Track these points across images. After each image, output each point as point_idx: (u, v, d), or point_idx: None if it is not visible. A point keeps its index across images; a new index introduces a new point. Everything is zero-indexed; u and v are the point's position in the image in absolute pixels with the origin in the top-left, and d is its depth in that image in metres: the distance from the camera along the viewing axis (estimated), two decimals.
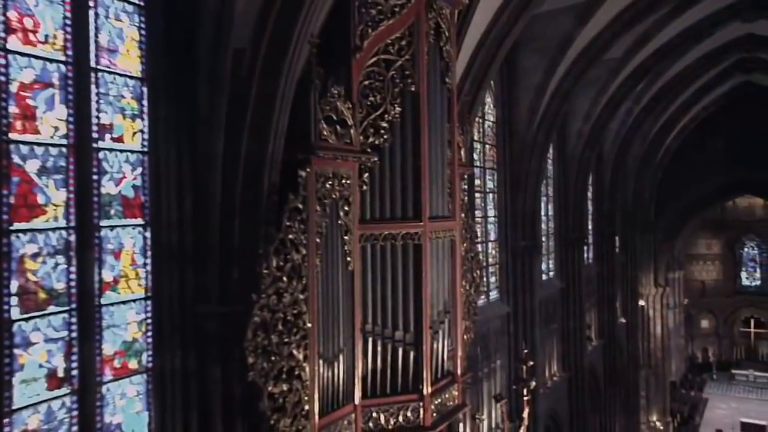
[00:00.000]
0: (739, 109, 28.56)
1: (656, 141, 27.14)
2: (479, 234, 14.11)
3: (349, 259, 7.11)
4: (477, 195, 14.13)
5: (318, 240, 6.58)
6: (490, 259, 14.85)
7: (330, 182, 6.78)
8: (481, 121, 14.29)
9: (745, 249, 42.43)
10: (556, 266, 19.19)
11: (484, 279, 14.30)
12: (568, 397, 18.71)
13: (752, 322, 41.24)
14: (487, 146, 14.67)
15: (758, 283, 42.13)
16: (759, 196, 35.82)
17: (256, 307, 5.79)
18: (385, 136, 7.46)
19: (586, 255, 21.66)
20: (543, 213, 18.26)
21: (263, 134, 6.19)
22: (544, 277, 18.05)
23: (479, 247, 14.21)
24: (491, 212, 14.89)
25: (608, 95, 18.24)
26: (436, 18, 8.04)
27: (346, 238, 7.06)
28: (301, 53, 6.27)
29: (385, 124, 7.46)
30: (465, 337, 9.69)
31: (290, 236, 6.20)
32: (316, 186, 6.59)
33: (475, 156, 13.98)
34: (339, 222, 6.93)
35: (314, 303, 6.51)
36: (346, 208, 7.05)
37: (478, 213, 14.13)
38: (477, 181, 14.12)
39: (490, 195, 14.89)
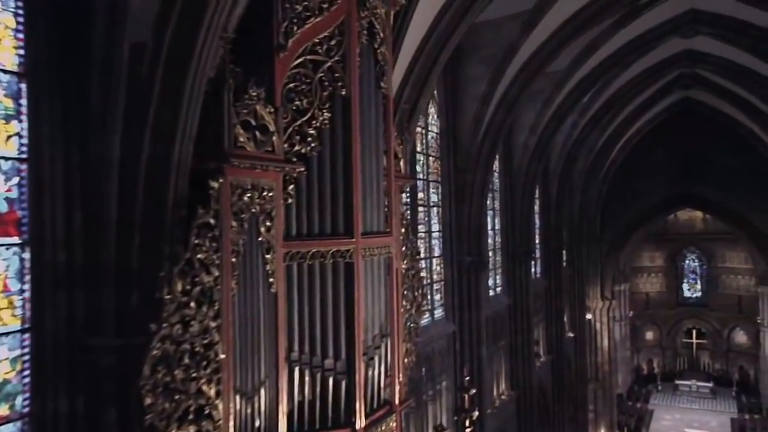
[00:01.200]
0: (681, 123, 29.14)
1: (601, 154, 27.34)
2: (423, 250, 13.56)
3: (271, 280, 6.37)
4: (420, 209, 13.59)
5: (234, 259, 5.84)
6: (435, 276, 14.30)
7: (248, 194, 6.05)
8: (424, 131, 13.79)
9: (687, 261, 43.39)
10: (503, 281, 18.82)
11: (429, 297, 13.74)
12: (517, 415, 18.28)
13: (694, 333, 42.09)
14: (430, 158, 14.17)
15: (699, 294, 43.07)
16: (698, 209, 36.69)
17: (155, 338, 4.99)
18: (313, 144, 6.78)
19: (533, 269, 21.40)
20: (489, 227, 17.87)
21: (168, 138, 5.42)
22: (491, 292, 17.63)
23: (423, 264, 13.64)
24: (435, 227, 14.37)
25: (554, 107, 18.07)
26: (370, 17, 7.44)
27: (268, 256, 6.32)
28: (212, 49, 5.55)
29: (312, 131, 6.78)
30: (406, 361, 9.06)
31: (199, 256, 5.44)
32: (232, 199, 5.84)
33: (418, 168, 13.46)
34: (260, 239, 6.20)
35: (229, 331, 5.74)
36: (267, 223, 6.32)
37: (421, 228, 13.58)
38: (420, 194, 13.58)
39: (435, 209, 14.38)
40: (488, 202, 17.62)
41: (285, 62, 6.56)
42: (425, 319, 13.38)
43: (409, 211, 12.80)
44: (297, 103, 6.70)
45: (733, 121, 27.68)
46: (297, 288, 6.67)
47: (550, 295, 23.22)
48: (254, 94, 6.07)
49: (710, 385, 39.14)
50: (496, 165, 18.63)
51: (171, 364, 5.11)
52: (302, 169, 6.64)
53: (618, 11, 14.76)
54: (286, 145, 6.59)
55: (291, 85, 6.66)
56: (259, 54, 6.52)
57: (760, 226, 30.66)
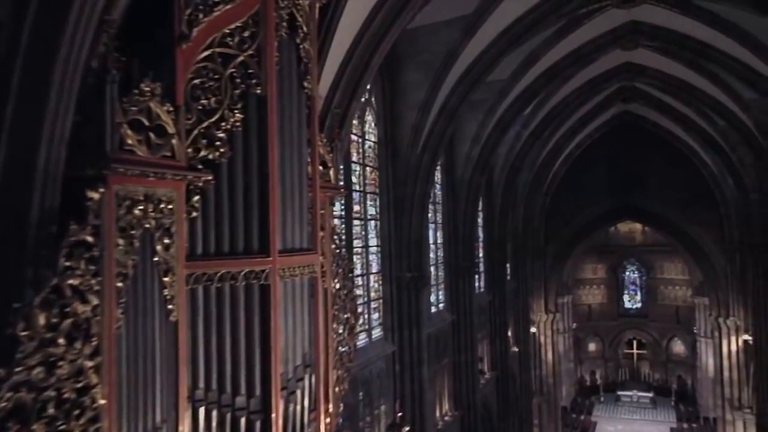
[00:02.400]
0: (621, 137, 29.50)
1: (545, 166, 27.30)
2: (359, 266, 12.80)
3: (171, 306, 5.44)
4: (356, 222, 12.82)
5: (120, 284, 4.90)
6: (373, 294, 13.52)
7: (141, 207, 5.13)
8: (361, 140, 13.06)
9: (627, 273, 44.05)
10: (445, 297, 18.21)
11: (366, 316, 12.96)
12: None
13: (635, 343, 42.65)
14: (367, 168, 13.44)
15: (639, 305, 43.76)
16: (638, 221, 37.35)
17: (4, 386, 4.01)
18: (223, 150, 5.90)
19: (477, 283, 20.91)
20: (431, 241, 17.25)
21: (31, 140, 4.47)
22: (433, 309, 16.99)
23: (359, 281, 12.87)
24: (373, 241, 13.61)
25: (496, 118, 17.69)
26: (291, 9, 6.64)
27: (166, 279, 5.40)
28: (89, 33, 4.65)
29: (222, 135, 5.90)
30: (337, 390, 8.27)
31: (72, 281, 4.48)
32: (118, 212, 4.92)
33: (354, 179, 12.70)
34: (155, 259, 5.28)
35: (111, 370, 4.79)
36: (166, 240, 5.40)
37: (357, 242, 12.82)
38: (356, 207, 12.83)
39: (372, 222, 13.63)
40: (430, 215, 17.03)
41: (189, 55, 5.69)
42: (362, 340, 12.59)
43: (343, 225, 12.03)
44: (204, 102, 5.82)
45: (671, 135, 28.14)
46: (203, 315, 5.76)
47: (494, 309, 22.77)
48: (147, 89, 5.16)
49: (650, 395, 39.65)
50: (437, 176, 18.09)
51: (27, 417, 4.13)
52: (210, 177, 5.76)
53: (558, 20, 14.46)
54: (190, 150, 5.69)
55: (196, 81, 5.77)
56: (159, 44, 5.64)
57: (696, 237, 31.31)
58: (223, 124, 5.88)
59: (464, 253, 18.66)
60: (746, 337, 28.35)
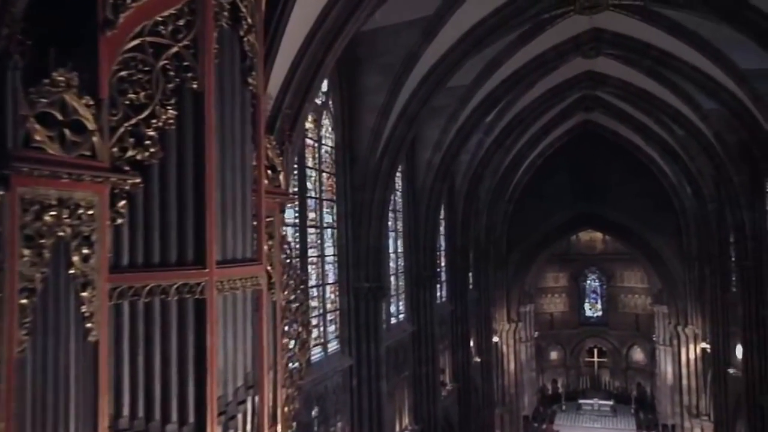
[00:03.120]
0: (583, 145, 29.58)
1: (507, 175, 27.16)
2: (314, 276, 12.24)
3: (89, 325, 4.84)
4: (312, 230, 12.26)
5: (25, 301, 4.29)
6: (329, 305, 12.95)
7: (53, 213, 4.53)
8: (317, 145, 12.53)
9: (588, 281, 44.30)
10: (406, 307, 17.73)
11: (321, 329, 12.39)
12: None
13: (595, 351, 42.85)
14: (324, 174, 12.89)
15: (600, 314, 44.04)
16: (600, 230, 37.64)
17: None
18: (153, 150, 5.32)
19: (438, 293, 20.50)
20: (391, 249, 16.78)
21: None
22: (393, 320, 16.50)
23: (315, 292, 12.29)
24: (330, 250, 13.06)
25: (458, 124, 17.35)
26: None
27: (84, 294, 4.80)
28: None
29: (152, 133, 5.32)
30: (287, 409, 7.72)
31: None
32: (23, 218, 4.32)
33: (310, 185, 12.15)
34: (71, 272, 4.67)
35: (10, 403, 4.17)
36: (84, 250, 4.80)
37: (313, 251, 12.25)
38: (312, 215, 12.27)
39: (329, 230, 13.08)
40: (390, 223, 16.57)
41: (114, 43, 5.11)
42: (317, 355, 12.01)
43: (298, 234, 11.46)
44: (132, 96, 5.24)
45: (632, 145, 28.34)
46: (128, 334, 5.16)
47: (456, 319, 22.37)
48: (61, 79, 4.56)
49: (611, 403, 39.83)
50: (398, 183, 17.65)
51: None
52: (138, 180, 5.18)
53: (521, 25, 14.20)
54: (115, 150, 5.10)
55: (123, 73, 5.19)
56: (81, 31, 5.05)
57: (655, 246, 31.58)
58: (153, 121, 5.30)
59: (425, 262, 18.24)
60: (704, 345, 28.60)
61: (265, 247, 7.47)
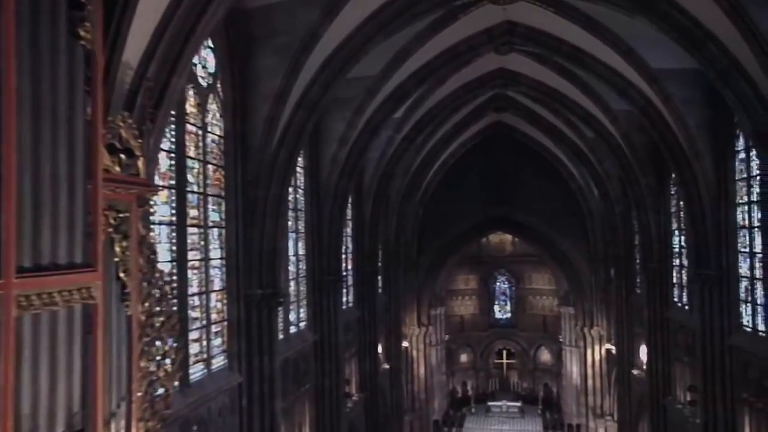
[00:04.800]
0: (494, 146, 29.35)
1: (418, 174, 26.39)
2: (196, 283, 10.71)
3: None
4: (194, 230, 10.71)
5: None
6: (214, 316, 11.42)
7: None
8: (201, 133, 10.99)
9: (497, 283, 44.47)
10: (307, 315, 16.38)
11: (204, 343, 10.86)
12: None
13: (504, 353, 43.02)
14: (210, 166, 11.36)
15: (509, 316, 44.29)
16: (510, 233, 37.72)
17: None
18: None
19: (344, 298, 19.27)
20: (291, 252, 15.39)
21: None
22: (292, 329, 15.12)
23: (195, 300, 10.75)
24: (216, 253, 11.53)
25: (366, 117, 16.25)
26: None
27: None
28: None
29: None
30: None
31: None
32: None
33: (191, 177, 10.60)
34: None
35: None
36: None
37: (194, 254, 10.71)
38: (193, 212, 10.72)
39: (215, 230, 11.56)
40: (290, 223, 15.20)
41: None
42: (198, 373, 10.47)
43: (175, 234, 9.91)
44: None
45: (542, 147, 28.29)
46: None
47: (363, 326, 21.24)
48: None
49: (519, 404, 40.00)
50: (300, 180, 16.30)
51: None
52: None
53: (431, 10, 13.24)
54: None
55: None
56: None
57: (563, 249, 31.81)
58: None
59: (330, 266, 16.98)
60: (609, 346, 28.96)
61: (117, 249, 6.07)
